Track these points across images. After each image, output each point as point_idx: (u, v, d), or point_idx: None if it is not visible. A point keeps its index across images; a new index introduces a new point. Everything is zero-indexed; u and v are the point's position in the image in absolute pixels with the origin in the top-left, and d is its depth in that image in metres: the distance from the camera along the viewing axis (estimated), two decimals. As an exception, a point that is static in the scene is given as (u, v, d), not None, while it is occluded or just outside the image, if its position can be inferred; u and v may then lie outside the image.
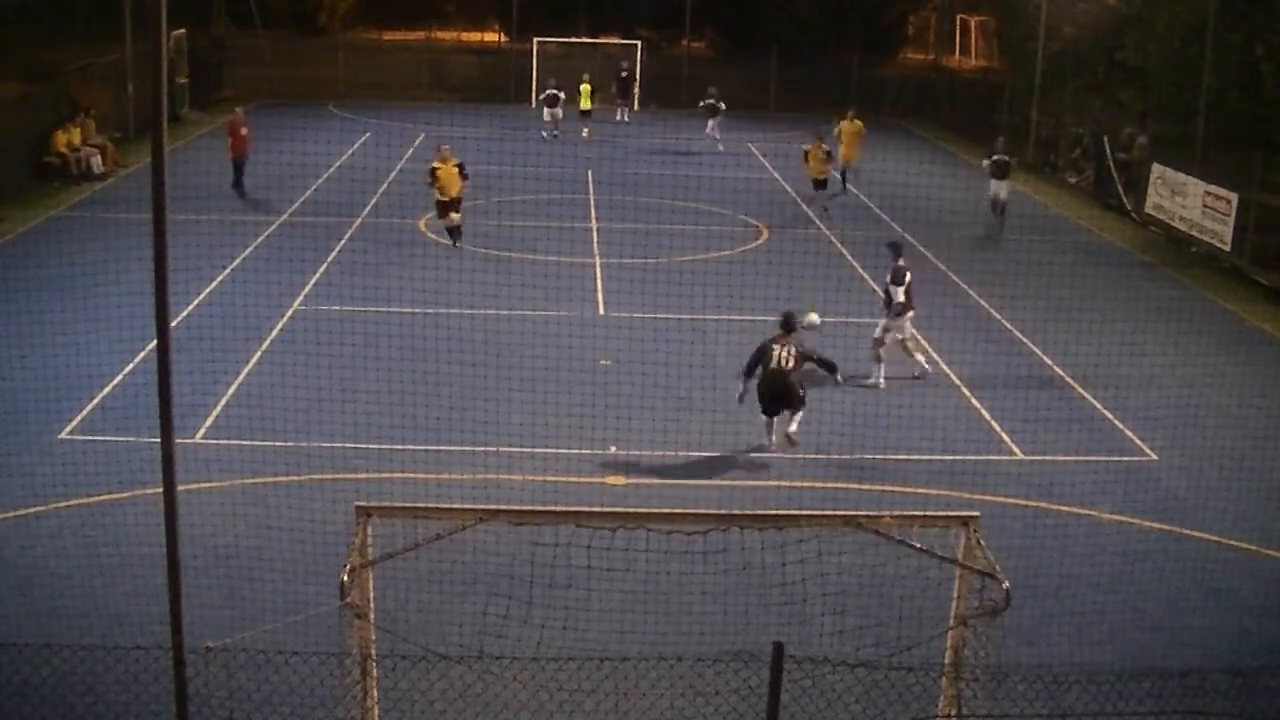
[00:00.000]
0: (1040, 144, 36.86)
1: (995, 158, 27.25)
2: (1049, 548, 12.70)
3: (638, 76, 44.85)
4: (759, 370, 15.04)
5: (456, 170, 23.92)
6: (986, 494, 13.98)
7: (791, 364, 14.89)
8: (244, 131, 27.95)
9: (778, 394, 14.99)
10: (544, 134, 37.31)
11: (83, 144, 29.65)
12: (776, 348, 14.96)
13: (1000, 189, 27.15)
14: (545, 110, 37.94)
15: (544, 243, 22.59)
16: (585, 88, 38.93)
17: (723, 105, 37.48)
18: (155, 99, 7.19)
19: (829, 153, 28.43)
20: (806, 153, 28.53)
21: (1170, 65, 32.18)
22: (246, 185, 28.10)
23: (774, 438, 15.24)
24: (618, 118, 41.53)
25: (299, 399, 15.13)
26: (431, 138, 35.85)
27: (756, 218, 27.76)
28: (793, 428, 14.95)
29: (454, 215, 24.18)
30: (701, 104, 37.87)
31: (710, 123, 37.18)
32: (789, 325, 15.20)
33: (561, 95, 37.93)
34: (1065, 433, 15.92)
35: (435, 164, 24.18)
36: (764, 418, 15.27)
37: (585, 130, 38.17)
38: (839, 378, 15.44)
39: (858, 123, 30.86)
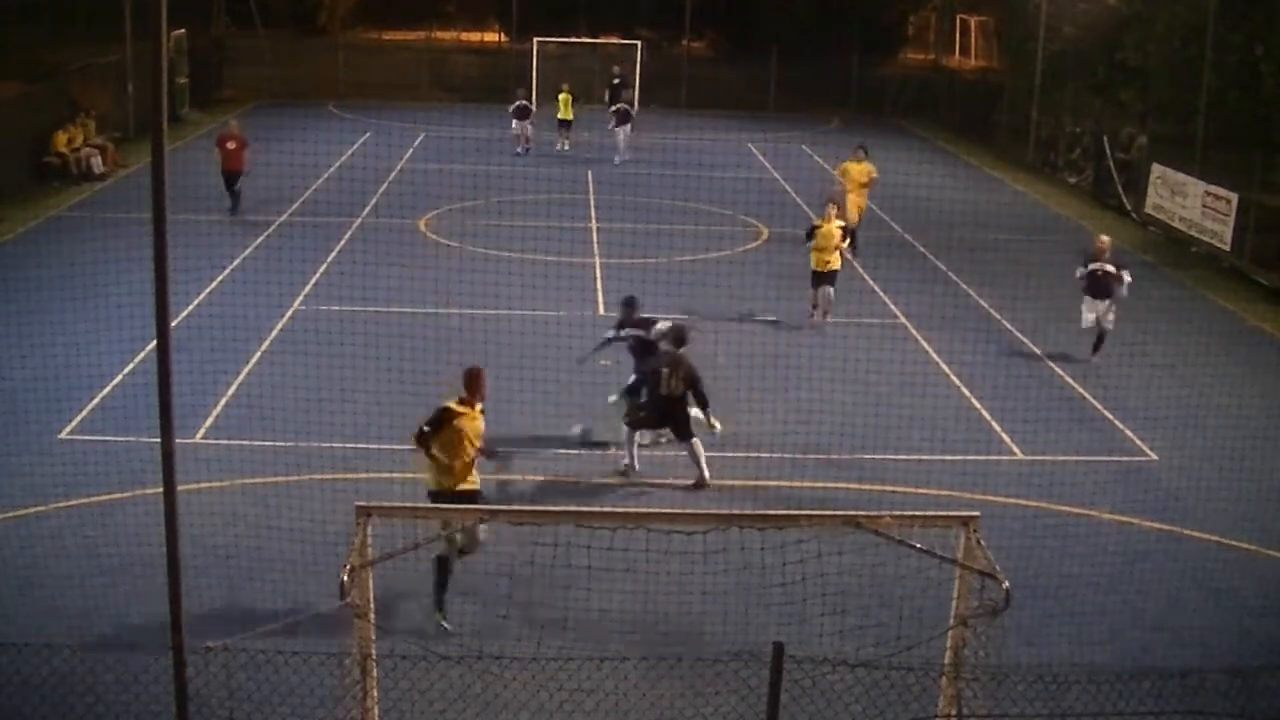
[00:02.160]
0: (1040, 144, 36.90)
1: (1092, 266, 18.50)
2: (1049, 548, 12.70)
3: (636, 82, 44.75)
4: (644, 389, 14.40)
5: (479, 419, 11.72)
6: (986, 494, 13.98)
7: (682, 390, 14.02)
8: (231, 145, 25.98)
9: (666, 416, 14.26)
10: (518, 150, 34.70)
11: (83, 144, 29.65)
12: (666, 371, 14.06)
13: (1102, 312, 18.49)
14: (514, 123, 34.74)
15: (544, 243, 22.58)
16: (564, 96, 35.80)
17: (634, 111, 34.98)
18: (155, 99, 7.19)
19: (848, 232, 20.77)
20: (815, 228, 20.19)
21: (1170, 65, 32.18)
22: (239, 202, 26.24)
23: (637, 460, 14.30)
24: (611, 126, 39.32)
25: (299, 399, 15.13)
26: (432, 138, 35.88)
27: (756, 218, 27.75)
28: (705, 471, 14.04)
29: (476, 532, 11.20)
30: (614, 107, 35.08)
31: (620, 130, 34.51)
32: (681, 340, 14.30)
33: (533, 107, 35.23)
34: (1065, 433, 15.92)
35: (452, 404, 11.60)
36: (626, 430, 14.37)
37: (563, 142, 35.83)
38: (712, 421, 14.30)
39: (866, 165, 24.99)
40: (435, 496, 11.47)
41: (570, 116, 35.84)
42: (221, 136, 26.63)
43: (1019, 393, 17.06)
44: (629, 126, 34.48)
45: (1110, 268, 18.41)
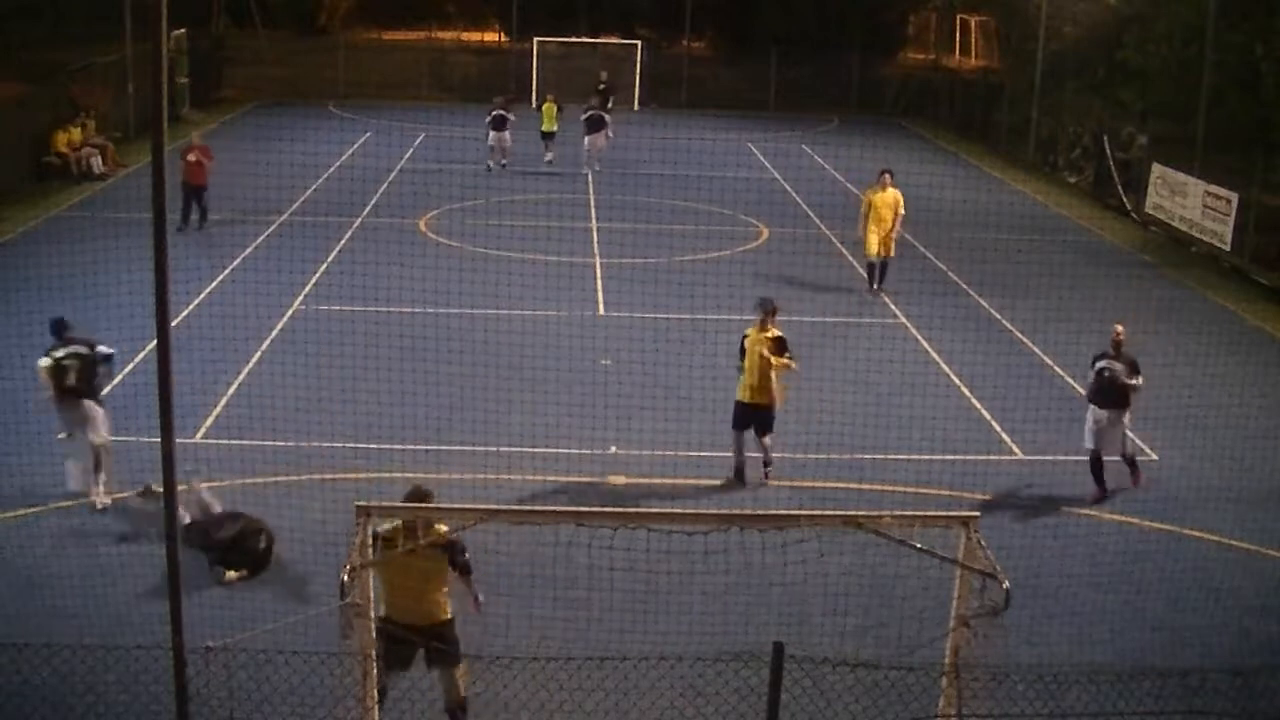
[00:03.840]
0: (1040, 144, 36.91)
1: (1100, 365, 14.09)
2: (1049, 548, 12.71)
3: (636, 81, 44.66)
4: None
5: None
6: (986, 494, 13.97)
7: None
8: (191, 158, 24.41)
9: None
10: (489, 164, 31.99)
11: (83, 144, 29.66)
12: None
13: (1110, 426, 14.06)
14: (490, 134, 31.95)
15: (544, 243, 22.58)
16: (549, 107, 33.26)
17: (608, 117, 32.85)
18: (155, 99, 7.19)
19: (784, 345, 14.18)
20: (743, 346, 14.31)
21: (1170, 65, 32.20)
22: (194, 219, 24.75)
23: None
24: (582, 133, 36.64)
25: (299, 399, 15.13)
26: (432, 137, 35.85)
27: (756, 218, 27.76)
28: None
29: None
30: (585, 115, 32.73)
31: (589, 139, 32.32)
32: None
33: (511, 117, 32.11)
34: (1065, 433, 15.90)
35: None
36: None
37: (548, 155, 33.19)
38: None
39: (894, 191, 21.76)
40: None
41: (555, 128, 33.30)
42: (184, 149, 24.82)
43: (1019, 393, 17.05)
44: (603, 134, 32.31)
45: (1120, 367, 13.89)
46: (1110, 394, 13.90)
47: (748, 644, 9.53)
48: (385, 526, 8.84)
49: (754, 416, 14.19)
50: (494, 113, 32.14)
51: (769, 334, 14.13)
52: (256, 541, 11.92)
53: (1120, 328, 14.25)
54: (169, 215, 7.21)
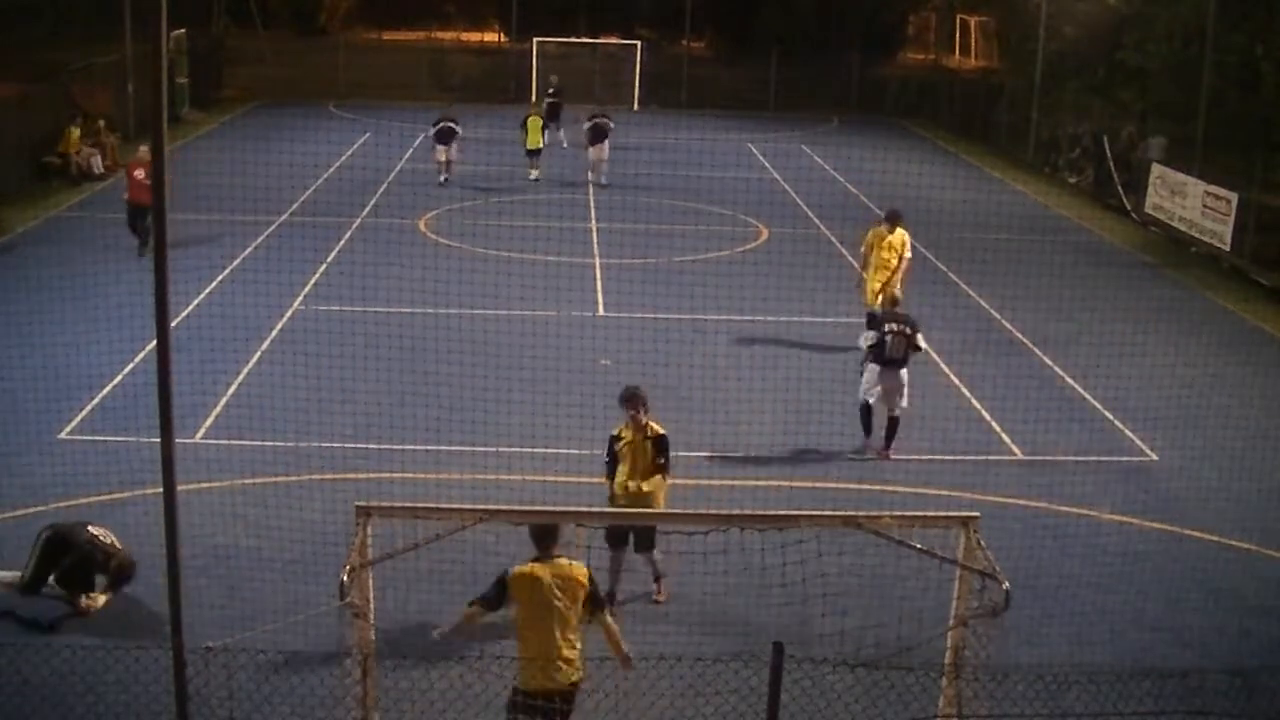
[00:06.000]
0: (1040, 144, 36.92)
1: (887, 327, 14.91)
2: (1049, 548, 12.70)
3: (635, 80, 44.67)
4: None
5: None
6: (986, 494, 13.97)
7: None
8: (139, 174, 21.66)
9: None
10: (440, 178, 30.08)
11: (83, 144, 29.65)
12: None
13: (896, 389, 14.90)
14: (436, 147, 30.12)
15: (544, 243, 22.57)
16: (534, 120, 31.35)
17: (612, 124, 30.94)
18: (155, 99, 7.19)
19: (664, 446, 11.59)
20: (613, 449, 11.60)
21: (1170, 65, 32.23)
22: (148, 239, 22.26)
23: None
24: (585, 144, 33.12)
25: (299, 399, 15.13)
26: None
27: (756, 218, 27.76)
28: None
29: None
30: (590, 121, 30.68)
31: (593, 150, 30.64)
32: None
33: (458, 128, 29.94)
34: (1065, 433, 15.91)
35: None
36: None
37: (534, 172, 31.25)
38: None
39: (901, 231, 18.35)
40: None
41: (540, 145, 31.26)
42: (131, 164, 22.53)
43: (1019, 393, 17.06)
44: (607, 143, 30.61)
45: (905, 327, 14.81)
46: (899, 355, 14.86)
47: (748, 644, 9.53)
48: (516, 569, 8.29)
49: (623, 538, 11.37)
50: (440, 124, 30.02)
51: (650, 433, 11.59)
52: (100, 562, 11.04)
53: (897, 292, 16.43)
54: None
